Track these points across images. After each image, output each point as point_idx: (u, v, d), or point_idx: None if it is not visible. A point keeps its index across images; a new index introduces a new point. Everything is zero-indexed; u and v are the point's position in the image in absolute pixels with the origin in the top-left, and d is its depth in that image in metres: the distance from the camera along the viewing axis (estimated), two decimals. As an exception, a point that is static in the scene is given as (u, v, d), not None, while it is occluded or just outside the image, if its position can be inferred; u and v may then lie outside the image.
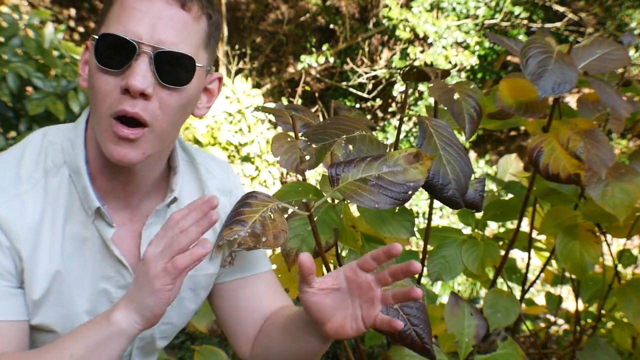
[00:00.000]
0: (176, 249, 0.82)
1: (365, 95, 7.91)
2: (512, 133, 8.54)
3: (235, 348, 1.12)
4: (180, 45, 0.87)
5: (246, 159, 5.04)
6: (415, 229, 1.26)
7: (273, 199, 1.04)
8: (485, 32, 6.97)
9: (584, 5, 8.08)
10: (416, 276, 1.51)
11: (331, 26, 8.41)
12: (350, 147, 1.10)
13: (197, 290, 1.07)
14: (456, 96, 1.16)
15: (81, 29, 7.54)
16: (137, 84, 0.83)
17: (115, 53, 0.85)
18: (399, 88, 7.23)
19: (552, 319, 2.12)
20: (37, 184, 0.93)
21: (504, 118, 1.37)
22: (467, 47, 7.14)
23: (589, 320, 1.78)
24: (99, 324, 0.86)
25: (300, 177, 1.26)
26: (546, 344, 2.24)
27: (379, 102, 8.17)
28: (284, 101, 6.38)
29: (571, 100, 5.66)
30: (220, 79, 1.01)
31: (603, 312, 1.62)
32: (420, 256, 1.48)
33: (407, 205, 1.11)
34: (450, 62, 6.70)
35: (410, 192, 0.99)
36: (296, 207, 1.04)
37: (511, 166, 1.86)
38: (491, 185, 1.85)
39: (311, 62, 7.07)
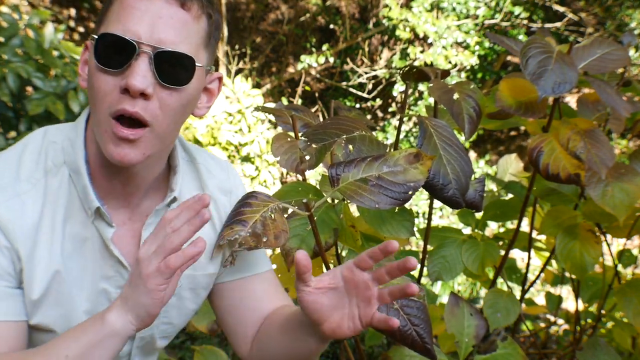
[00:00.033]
0: (169, 248, 0.81)
1: (365, 95, 7.92)
2: (512, 133, 8.54)
3: (234, 347, 1.12)
4: (180, 45, 0.87)
5: (246, 159, 5.04)
6: (415, 229, 1.26)
7: (273, 199, 1.04)
8: (485, 32, 6.97)
9: (584, 5, 8.09)
10: (416, 276, 1.51)
11: (331, 26, 8.41)
12: (350, 147, 1.10)
13: (197, 290, 1.07)
14: (456, 96, 1.16)
15: (81, 29, 7.54)
16: (137, 84, 0.83)
17: (115, 53, 0.85)
18: (399, 88, 7.23)
19: (552, 319, 2.12)
20: (37, 184, 0.93)
21: (504, 118, 1.37)
22: (467, 47, 7.14)
23: (589, 320, 1.78)
24: (94, 324, 0.86)
25: (300, 177, 1.26)
26: (546, 344, 2.24)
27: (379, 102, 8.17)
28: (284, 101, 6.38)
29: (571, 100, 5.66)
30: (220, 79, 1.01)
31: (603, 312, 1.62)
32: (420, 256, 1.48)
33: (407, 205, 1.11)
34: (450, 62, 6.70)
35: (410, 192, 0.99)
36: (296, 207, 1.04)
37: (511, 166, 1.86)
38: (491, 185, 1.85)
39: (311, 62, 7.07)
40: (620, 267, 1.65)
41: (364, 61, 7.99)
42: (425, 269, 1.48)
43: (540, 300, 3.76)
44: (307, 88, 8.47)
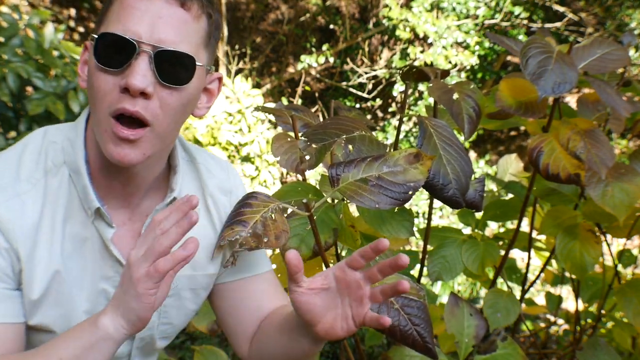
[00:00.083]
0: (158, 251, 0.80)
1: (365, 95, 7.92)
2: (512, 133, 8.54)
3: (234, 347, 1.12)
4: (180, 45, 0.86)
5: (246, 159, 5.05)
6: (415, 229, 1.26)
7: (273, 199, 1.04)
8: (485, 32, 6.97)
9: (584, 5, 8.09)
10: (416, 276, 1.51)
11: (331, 26, 8.41)
12: (350, 147, 1.10)
13: (197, 291, 1.07)
14: (455, 96, 1.16)
15: (81, 29, 7.54)
16: (137, 83, 0.83)
17: (115, 52, 0.85)
18: (399, 88, 7.23)
19: (552, 319, 2.12)
20: (37, 184, 0.92)
21: (504, 118, 1.37)
22: (467, 47, 7.14)
23: (589, 320, 1.78)
24: (87, 327, 0.86)
25: (300, 177, 1.26)
26: (546, 344, 2.24)
27: (379, 102, 8.17)
28: (284, 101, 6.38)
29: (571, 100, 5.66)
30: (220, 79, 1.01)
31: (603, 312, 1.62)
32: (420, 256, 1.48)
33: (406, 205, 1.11)
34: (450, 62, 6.70)
35: (410, 192, 0.99)
36: (296, 207, 1.04)
37: (511, 166, 1.86)
38: (491, 185, 1.85)
39: (311, 62, 7.07)
40: (620, 267, 1.65)
41: (364, 61, 8.00)
42: (425, 269, 1.48)
43: (540, 300, 3.76)
44: (307, 88, 8.47)
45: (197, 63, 0.89)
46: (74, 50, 3.02)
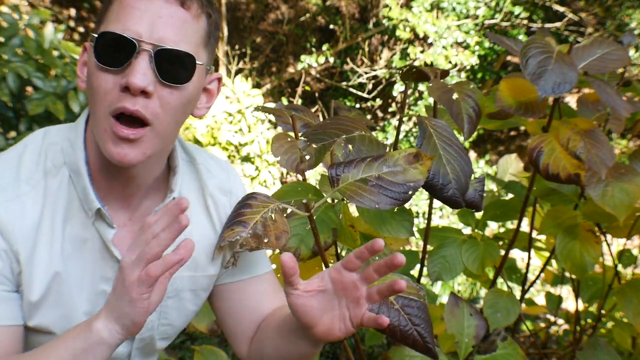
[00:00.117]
0: (149, 256, 0.78)
1: (365, 95, 7.92)
2: (512, 133, 8.54)
3: (234, 347, 1.12)
4: (180, 44, 0.86)
5: (246, 159, 5.05)
6: (415, 229, 1.26)
7: (273, 199, 1.04)
8: (485, 32, 6.97)
9: (584, 5, 8.09)
10: (416, 276, 1.51)
11: (331, 26, 8.41)
12: (350, 147, 1.10)
13: (198, 291, 1.07)
14: (455, 96, 1.16)
15: (81, 29, 7.54)
16: (138, 82, 0.83)
17: (115, 51, 0.84)
18: (399, 88, 7.23)
19: (552, 319, 2.12)
20: (36, 185, 0.92)
21: (504, 118, 1.37)
22: (467, 47, 7.14)
23: (589, 320, 1.78)
24: (81, 332, 0.85)
25: (300, 177, 1.26)
26: (546, 344, 2.24)
27: (379, 102, 8.17)
28: (284, 101, 6.38)
29: (571, 100, 5.66)
30: (219, 79, 1.01)
31: (603, 312, 1.62)
32: (420, 256, 1.48)
33: (406, 205, 1.11)
34: (450, 62, 6.70)
35: (410, 192, 0.99)
36: (295, 207, 1.04)
37: (511, 166, 1.86)
38: (491, 185, 1.85)
39: (311, 62, 7.07)
40: (620, 267, 1.65)
41: (364, 61, 8.00)
42: (425, 269, 1.48)
43: (540, 300, 3.76)
44: (307, 88, 8.47)
45: (197, 62, 0.89)
46: (74, 50, 3.02)
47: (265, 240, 0.97)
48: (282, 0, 8.90)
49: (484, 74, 7.63)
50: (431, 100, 1.25)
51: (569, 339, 2.00)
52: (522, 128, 5.07)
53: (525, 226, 1.57)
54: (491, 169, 7.02)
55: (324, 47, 7.44)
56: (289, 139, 1.19)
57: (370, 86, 7.96)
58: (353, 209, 1.28)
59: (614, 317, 1.67)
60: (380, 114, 8.42)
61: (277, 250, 1.16)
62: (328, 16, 8.51)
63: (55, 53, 2.89)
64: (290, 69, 8.64)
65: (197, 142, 4.77)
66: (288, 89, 8.55)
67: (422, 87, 7.28)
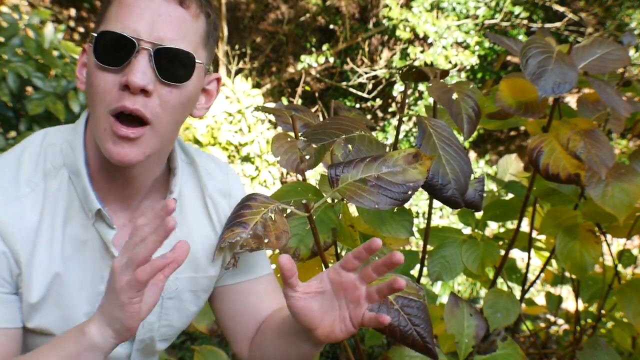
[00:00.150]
0: (137, 259, 0.76)
1: (365, 95, 7.92)
2: (512, 133, 8.54)
3: (234, 349, 1.12)
4: (180, 42, 0.86)
5: (246, 159, 5.05)
6: (415, 229, 1.26)
7: (273, 200, 1.04)
8: (485, 32, 6.97)
9: (584, 5, 8.09)
10: (416, 276, 1.51)
11: (331, 26, 8.41)
12: (350, 147, 1.10)
13: (198, 292, 1.07)
14: (455, 96, 1.16)
15: (81, 29, 7.54)
16: (138, 80, 0.83)
17: (115, 50, 0.84)
18: (399, 88, 7.23)
19: (552, 319, 2.12)
20: (36, 187, 0.92)
21: (504, 118, 1.37)
22: (467, 47, 7.14)
23: (589, 320, 1.78)
24: (74, 335, 0.84)
25: (300, 177, 1.26)
26: (546, 344, 2.24)
27: (379, 102, 8.17)
28: (284, 101, 6.38)
29: (571, 100, 5.66)
30: (218, 80, 1.01)
31: (603, 312, 1.62)
32: (420, 256, 1.48)
33: (406, 205, 1.10)
34: (450, 62, 6.70)
35: (409, 193, 0.99)
36: (295, 208, 1.04)
37: (511, 166, 1.86)
38: (491, 185, 1.85)
39: (311, 62, 7.07)
40: (620, 267, 1.65)
41: (364, 61, 8.00)
42: (425, 269, 1.48)
43: (540, 300, 3.76)
44: (307, 88, 8.47)
45: (196, 61, 0.89)
46: (74, 50, 3.02)
47: (266, 241, 0.97)
48: (282, 0, 8.90)
49: (484, 74, 7.63)
50: (431, 100, 1.25)
51: (569, 339, 2.00)
52: (522, 128, 5.08)
53: (525, 226, 1.57)
54: (491, 169, 7.02)
55: (324, 47, 7.44)
56: (288, 139, 1.19)
57: (370, 86, 7.96)
58: (353, 209, 1.28)
59: (614, 317, 1.67)
60: (380, 114, 8.42)
61: (277, 250, 1.16)
62: (328, 16, 8.51)
63: (55, 53, 2.89)
64: (290, 69, 8.64)
65: (197, 142, 4.77)
66: (288, 89, 8.55)
67: (422, 87, 7.28)
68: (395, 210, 1.22)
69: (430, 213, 1.39)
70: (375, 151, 1.10)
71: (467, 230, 1.63)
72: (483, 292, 4.17)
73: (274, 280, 1.14)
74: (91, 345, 0.82)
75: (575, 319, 1.70)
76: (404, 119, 7.39)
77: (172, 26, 0.86)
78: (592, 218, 1.40)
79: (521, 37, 7.14)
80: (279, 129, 1.33)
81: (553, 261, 1.93)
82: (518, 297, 1.47)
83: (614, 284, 1.53)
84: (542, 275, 2.09)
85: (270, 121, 5.25)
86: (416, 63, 6.94)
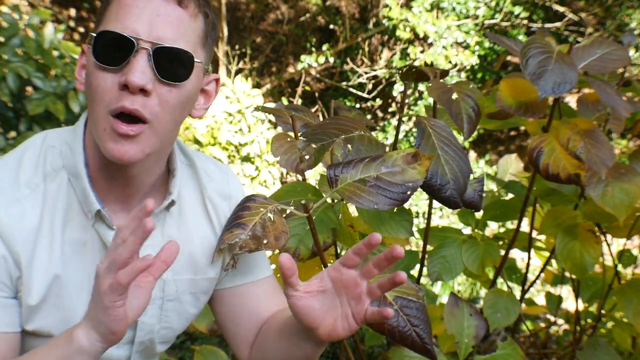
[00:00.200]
0: (118, 262, 0.75)
1: (365, 95, 7.92)
2: (512, 133, 8.54)
3: (235, 351, 1.11)
4: (179, 42, 0.87)
5: (246, 159, 5.05)
6: (415, 229, 1.26)
7: (272, 201, 1.04)
8: (485, 32, 6.97)
9: (584, 5, 8.09)
10: (416, 276, 1.51)
11: (331, 26, 8.41)
12: (349, 147, 1.10)
13: (197, 294, 1.07)
14: (454, 96, 1.16)
15: (81, 29, 7.55)
16: (137, 80, 0.83)
17: (114, 50, 0.85)
18: (398, 88, 7.23)
19: (552, 319, 2.12)
20: (36, 188, 0.92)
21: (504, 118, 1.37)
22: (467, 47, 7.14)
23: (589, 320, 1.78)
24: (63, 340, 0.83)
25: (300, 177, 1.26)
26: (546, 344, 2.24)
27: (379, 102, 8.17)
28: (284, 101, 6.38)
29: (571, 100, 5.66)
30: (217, 80, 1.01)
31: (603, 312, 1.61)
32: (420, 256, 1.48)
33: (406, 205, 1.10)
34: (450, 62, 6.70)
35: (409, 193, 0.99)
36: (294, 208, 1.04)
37: (511, 166, 1.86)
38: (491, 185, 1.85)
39: (311, 62, 7.07)
40: (620, 267, 1.65)
41: (364, 61, 8.00)
42: (425, 269, 1.48)
43: (540, 300, 3.76)
44: (307, 88, 8.47)
45: (195, 60, 0.89)
46: (74, 50, 3.02)
47: (265, 242, 0.97)
48: (282, 0, 8.90)
49: (484, 74, 7.63)
50: (431, 100, 1.25)
51: (569, 339, 2.00)
52: (522, 128, 5.07)
53: (525, 226, 1.57)
54: (491, 169, 7.02)
55: (324, 47, 7.44)
56: (288, 139, 1.19)
57: (370, 86, 7.96)
58: (352, 209, 1.28)
59: (614, 317, 1.67)
60: (380, 114, 8.42)
61: (277, 251, 1.16)
62: (328, 16, 8.51)
63: (55, 53, 2.89)
64: (290, 69, 8.64)
65: (197, 142, 4.77)
66: (288, 89, 8.55)
67: (422, 87, 7.28)
68: (394, 210, 1.22)
69: (430, 213, 1.39)
70: (374, 151, 1.10)
71: (467, 230, 1.63)
72: (483, 292, 4.17)
73: (274, 282, 1.13)
74: (78, 349, 0.81)
75: (575, 319, 1.70)
76: (404, 119, 7.39)
77: (171, 26, 0.86)
78: (592, 218, 1.40)
79: (521, 37, 7.14)
80: (279, 129, 1.33)
81: (553, 261, 1.93)
82: (518, 297, 1.47)
83: (614, 284, 1.53)
84: (542, 275, 2.10)
85: (270, 121, 5.25)
86: (416, 63, 6.94)
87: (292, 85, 8.53)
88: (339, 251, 1.29)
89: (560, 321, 2.45)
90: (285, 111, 1.28)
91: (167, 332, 1.06)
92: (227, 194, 1.09)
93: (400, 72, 1.27)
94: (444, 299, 3.38)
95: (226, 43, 7.55)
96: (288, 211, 1.04)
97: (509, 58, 8.01)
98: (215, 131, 4.83)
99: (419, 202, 6.20)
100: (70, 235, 0.93)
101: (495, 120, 1.38)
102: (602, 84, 1.18)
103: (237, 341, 1.10)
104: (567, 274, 1.78)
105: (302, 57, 7.16)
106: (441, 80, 1.24)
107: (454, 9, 7.21)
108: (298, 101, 8.13)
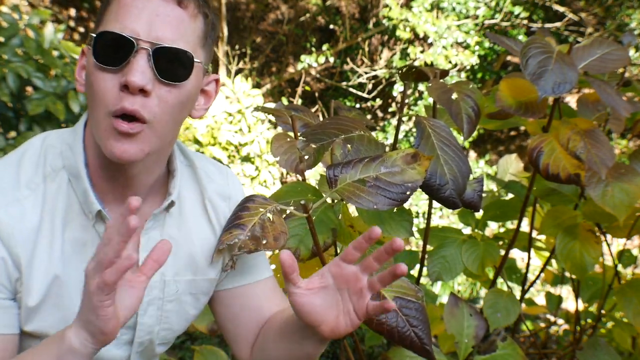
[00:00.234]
0: (104, 261, 0.74)
1: (365, 95, 7.92)
2: (512, 133, 8.54)
3: (235, 352, 1.11)
4: (178, 42, 0.87)
5: (246, 159, 5.05)
6: (415, 229, 1.26)
7: (271, 201, 1.04)
8: (485, 32, 6.97)
9: (584, 5, 8.09)
10: (416, 276, 1.51)
11: (331, 26, 8.41)
12: (349, 147, 1.10)
13: (197, 295, 1.07)
14: (454, 96, 1.16)
15: (81, 29, 7.55)
16: (136, 80, 0.83)
17: (114, 51, 0.85)
18: (398, 88, 7.23)
19: (552, 319, 2.12)
20: (36, 189, 0.92)
21: (504, 118, 1.37)
22: (467, 47, 7.14)
23: (589, 320, 1.78)
24: (55, 340, 0.83)
25: (300, 177, 1.26)
26: (546, 344, 2.24)
27: (379, 102, 8.17)
28: (284, 101, 6.38)
29: (571, 100, 5.66)
30: (217, 81, 1.01)
31: (603, 312, 1.61)
32: (420, 256, 1.48)
33: (406, 205, 1.10)
34: (450, 62, 6.70)
35: (408, 193, 0.99)
36: (293, 208, 1.04)
37: (511, 166, 1.86)
38: (491, 185, 1.85)
39: (311, 62, 7.07)
40: (620, 267, 1.65)
41: (364, 61, 8.00)
42: (425, 269, 1.48)
43: (540, 300, 3.76)
44: (307, 88, 8.47)
45: (195, 60, 0.89)
46: (74, 50, 3.02)
47: (264, 242, 0.97)
48: (282, 0, 8.90)
49: (484, 74, 7.63)
50: (431, 100, 1.25)
51: (569, 339, 2.00)
52: (522, 128, 5.07)
53: (525, 226, 1.57)
54: (491, 169, 7.02)
55: (324, 47, 7.44)
56: (288, 139, 1.19)
57: (370, 86, 7.96)
58: (352, 209, 1.28)
59: (614, 317, 1.67)
60: (380, 114, 8.42)
61: (277, 251, 1.16)
62: (328, 16, 8.51)
63: (55, 53, 2.89)
64: (290, 69, 8.64)
65: (197, 142, 4.77)
66: (288, 89, 8.56)
67: (422, 87, 7.28)
68: (394, 210, 1.22)
69: (430, 213, 1.39)
70: (374, 151, 1.10)
71: (467, 230, 1.63)
72: (483, 292, 4.17)
73: (275, 283, 1.13)
74: (69, 349, 0.80)
75: (575, 319, 1.70)
76: (404, 119, 7.40)
77: (171, 26, 0.86)
78: (592, 218, 1.40)
79: (521, 37, 7.14)
80: (279, 129, 1.33)
81: (553, 261, 1.93)
82: (518, 297, 1.47)
83: (614, 284, 1.53)
84: (542, 275, 2.10)
85: (270, 121, 5.25)
86: (416, 63, 6.94)
87: (292, 85, 8.53)
88: (338, 251, 1.29)
89: (560, 321, 2.45)
90: (285, 111, 1.28)
91: (166, 334, 1.06)
92: (226, 194, 1.09)
93: (400, 72, 1.27)
94: (444, 299, 3.38)
95: (226, 43, 7.55)
96: (288, 211, 1.04)
97: (509, 58, 8.01)
98: (215, 131, 4.84)
99: (419, 202, 6.20)
100: (71, 236, 0.93)
101: (495, 120, 1.38)
102: (602, 84, 1.18)
103: (237, 342, 1.10)
104: (567, 274, 1.78)
105: (302, 57, 7.16)
106: (441, 80, 1.24)
107: (454, 9, 7.21)
108: (298, 101, 8.14)
